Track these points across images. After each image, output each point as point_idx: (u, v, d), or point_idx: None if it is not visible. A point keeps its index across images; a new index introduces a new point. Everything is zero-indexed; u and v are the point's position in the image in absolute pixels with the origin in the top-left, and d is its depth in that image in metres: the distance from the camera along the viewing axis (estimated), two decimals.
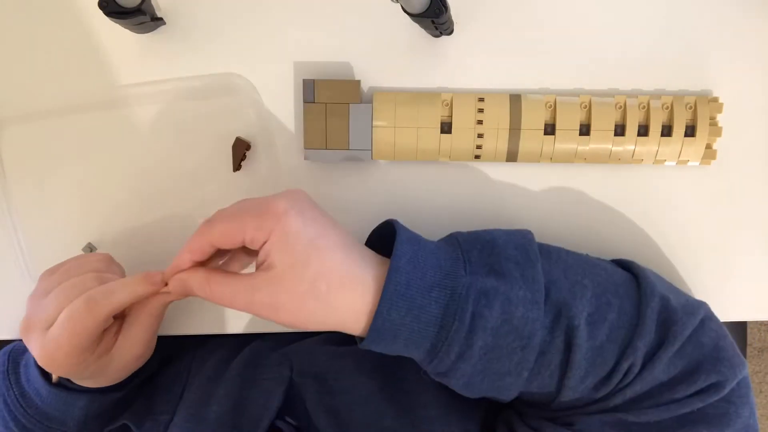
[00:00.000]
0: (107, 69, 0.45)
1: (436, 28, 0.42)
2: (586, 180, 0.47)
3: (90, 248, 0.46)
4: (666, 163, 0.45)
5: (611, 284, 0.37)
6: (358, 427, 0.42)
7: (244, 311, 0.35)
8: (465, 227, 0.40)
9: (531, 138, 0.43)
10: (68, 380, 0.41)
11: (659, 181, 0.47)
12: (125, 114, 0.46)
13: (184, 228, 0.47)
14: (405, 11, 0.39)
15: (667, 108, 0.44)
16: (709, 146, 0.44)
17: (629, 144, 0.43)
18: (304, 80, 0.43)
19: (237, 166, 0.46)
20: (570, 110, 0.43)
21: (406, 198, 0.47)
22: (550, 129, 0.43)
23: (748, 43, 0.45)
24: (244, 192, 0.46)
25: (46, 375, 0.42)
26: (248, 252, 0.39)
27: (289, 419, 0.43)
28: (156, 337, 0.42)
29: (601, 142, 0.43)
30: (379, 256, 0.37)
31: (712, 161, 0.45)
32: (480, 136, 0.43)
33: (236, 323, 0.48)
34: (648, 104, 0.43)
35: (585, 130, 0.43)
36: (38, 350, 0.37)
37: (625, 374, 0.35)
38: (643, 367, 0.35)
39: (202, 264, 0.37)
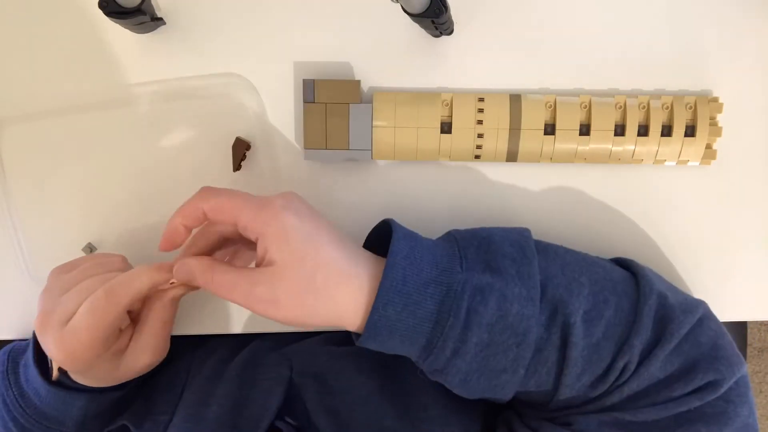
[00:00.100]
0: (107, 69, 0.45)
1: (436, 28, 0.42)
2: (586, 180, 0.47)
3: (90, 248, 0.46)
4: (666, 163, 0.45)
5: (609, 282, 0.37)
6: (358, 428, 0.42)
7: (243, 305, 0.35)
8: (465, 227, 0.40)
9: (531, 138, 0.43)
10: (67, 378, 0.41)
11: (659, 181, 0.47)
12: (125, 114, 0.46)
13: None
14: (405, 11, 0.39)
15: (667, 108, 0.44)
16: (709, 146, 0.44)
17: (629, 144, 0.43)
18: (304, 80, 0.43)
19: (237, 166, 0.46)
20: (570, 110, 0.43)
21: (406, 198, 0.47)
22: (550, 129, 0.43)
23: (748, 43, 0.45)
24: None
25: (45, 374, 0.42)
26: (251, 248, 0.40)
27: (288, 419, 0.43)
28: (168, 345, 0.42)
29: (601, 142, 0.43)
30: (375, 255, 0.38)
31: (712, 161, 0.45)
32: (480, 136, 0.43)
33: (236, 323, 0.48)
34: (648, 104, 0.43)
35: (585, 130, 0.43)
36: (55, 344, 0.37)
37: (622, 372, 0.35)
38: (640, 364, 0.35)
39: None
